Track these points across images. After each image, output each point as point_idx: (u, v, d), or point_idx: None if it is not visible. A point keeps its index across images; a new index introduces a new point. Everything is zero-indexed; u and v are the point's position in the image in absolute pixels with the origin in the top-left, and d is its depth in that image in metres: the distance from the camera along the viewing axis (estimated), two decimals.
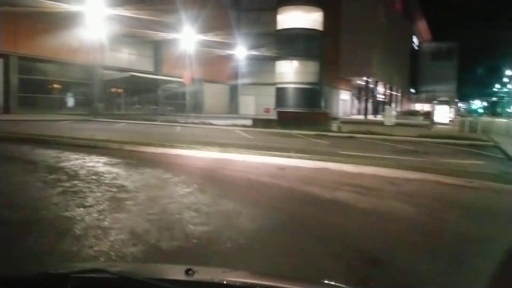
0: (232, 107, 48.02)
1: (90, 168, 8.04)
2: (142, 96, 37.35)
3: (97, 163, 8.64)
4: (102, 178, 7.06)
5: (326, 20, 41.59)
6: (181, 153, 10.31)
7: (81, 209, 5.16)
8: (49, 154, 9.58)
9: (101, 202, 5.49)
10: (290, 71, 41.33)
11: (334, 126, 21.60)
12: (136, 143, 11.34)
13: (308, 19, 40.84)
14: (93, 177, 7.15)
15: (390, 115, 29.85)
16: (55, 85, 30.17)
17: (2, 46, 25.38)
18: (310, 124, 21.21)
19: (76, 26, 26.66)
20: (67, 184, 6.53)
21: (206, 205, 5.55)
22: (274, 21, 40.92)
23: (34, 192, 6.16)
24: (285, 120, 22.74)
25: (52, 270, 1.59)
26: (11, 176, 7.42)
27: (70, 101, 31.83)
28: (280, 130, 19.93)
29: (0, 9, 24.29)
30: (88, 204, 5.39)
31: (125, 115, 28.95)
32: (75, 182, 6.71)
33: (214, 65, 41.94)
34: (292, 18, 40.76)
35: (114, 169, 7.96)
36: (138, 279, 1.52)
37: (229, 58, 43.56)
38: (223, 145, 11.58)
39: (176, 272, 1.69)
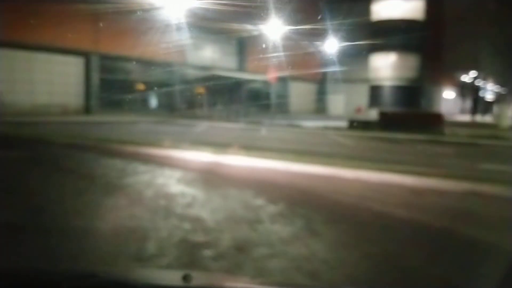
0: (320, 107, 45.72)
1: (160, 187, 6.40)
2: (225, 96, 36.30)
3: (169, 178, 7.01)
4: (172, 204, 5.36)
5: (428, 8, 37.97)
6: (271, 165, 8.43)
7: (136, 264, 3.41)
8: (114, 166, 8.15)
9: (166, 251, 3.72)
10: (386, 66, 38.31)
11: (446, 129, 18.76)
12: (216, 151, 9.66)
13: (408, 8, 37.56)
14: (161, 202, 5.46)
15: (505, 115, 26.02)
16: (136, 85, 29.92)
17: (84, 44, 25.33)
18: (420, 127, 18.53)
19: (158, 24, 25.97)
20: (123, 214, 4.88)
21: (329, 267, 3.55)
22: (368, 12, 38.18)
23: (70, 229, 4.52)
24: (388, 122, 20.17)
25: (46, 276, 1.60)
26: (49, 200, 5.92)
27: (151, 102, 31.52)
28: (384, 134, 17.47)
29: (81, 7, 24.15)
30: (146, 255, 3.64)
31: (206, 116, 27.89)
32: (135, 210, 5.05)
33: (300, 61, 39.91)
34: (389, 8, 37.75)
35: (190, 190, 6.25)
36: (134, 285, 1.53)
37: (317, 53, 41.33)
38: (322, 155, 9.57)
39: (173, 278, 1.65)
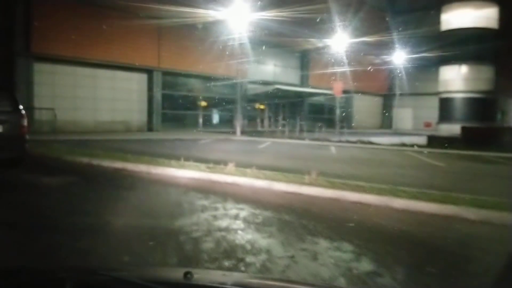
0: (385, 121, 43.07)
1: (223, 231, 4.76)
2: (287, 111, 34.66)
3: (235, 218, 5.39)
4: (241, 264, 3.66)
5: (503, 16, 34.72)
6: (360, 199, 6.61)
7: None
8: (169, 195, 6.62)
9: None
10: (457, 78, 35.32)
11: None
12: (295, 180, 7.91)
13: (480, 16, 34.48)
14: (225, 262, 3.78)
15: None
16: (197, 101, 28.95)
17: (146, 60, 24.58)
18: (507, 143, 16.18)
19: (220, 38, 24.83)
20: None
21: None
22: (437, 22, 35.46)
23: None
24: (471, 138, 17.73)
25: (50, 273, 1.61)
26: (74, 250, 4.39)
27: (212, 117, 30.44)
28: (473, 152, 15.09)
29: (143, 23, 23.42)
30: None
31: (269, 132, 26.32)
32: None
33: (365, 74, 37.66)
34: (460, 17, 34.84)
35: (264, 238, 4.55)
36: (136, 282, 1.48)
37: (383, 66, 38.93)
38: (428, 186, 7.62)
39: (175, 275, 1.67)
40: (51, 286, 1.47)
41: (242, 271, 3.41)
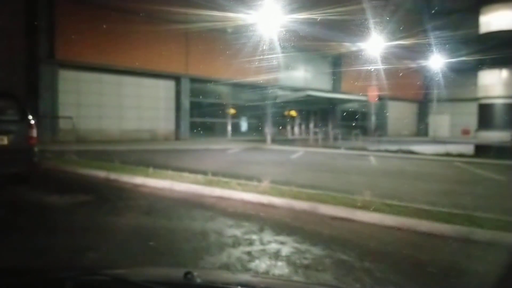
0: (421, 129, 41.04)
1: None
2: (318, 118, 33.19)
3: (276, 258, 4.12)
4: None
5: None
6: (431, 229, 5.22)
7: None
8: (193, 222, 5.37)
9: None
10: (497, 83, 33.25)
11: None
12: (333, 199, 6.57)
13: None
14: None
15: None
16: (226, 108, 27.84)
17: (173, 67, 23.62)
18: None
19: (249, 44, 23.66)
20: None
21: None
22: (475, 24, 33.52)
23: None
24: None
25: (49, 273, 1.59)
26: None
27: (241, 126, 29.28)
28: None
29: (171, 28, 22.47)
30: None
31: (300, 141, 24.95)
32: None
33: (400, 79, 35.84)
34: (500, 18, 32.84)
35: None
36: (136, 282, 1.49)
37: (419, 71, 37.05)
38: (487, 207, 6.20)
39: (175, 275, 1.64)
40: (51, 286, 1.45)
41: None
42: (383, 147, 19.68)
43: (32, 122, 7.90)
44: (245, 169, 11.37)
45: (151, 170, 9.25)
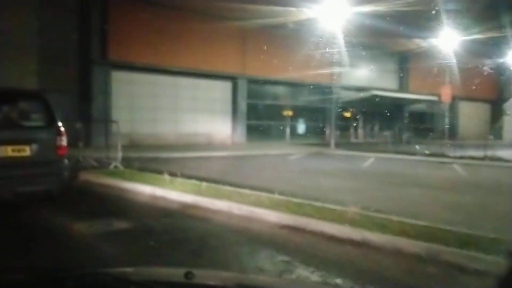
0: (494, 131, 37.25)
1: None
2: (383, 120, 30.57)
3: None
4: None
5: None
6: None
7: None
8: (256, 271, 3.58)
9: None
10: None
11: None
12: (455, 237, 4.53)
13: None
14: None
15: None
16: (284, 110, 25.98)
17: (230, 67, 22.02)
18: None
19: (309, 42, 21.69)
20: None
21: None
22: None
23: None
24: None
25: (49, 273, 1.56)
26: None
27: (301, 128, 27.31)
28: None
29: (227, 26, 20.90)
30: None
31: (366, 145, 22.65)
32: None
33: (472, 78, 32.48)
34: None
35: None
36: (136, 282, 1.47)
37: (492, 68, 33.47)
38: None
39: (175, 275, 1.65)
40: (51, 286, 1.42)
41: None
42: (463, 152, 17.11)
43: (62, 128, 6.40)
44: (314, 182, 9.45)
45: (204, 185, 7.53)
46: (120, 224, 5.62)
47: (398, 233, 4.80)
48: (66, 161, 6.51)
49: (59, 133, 6.35)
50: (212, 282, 1.65)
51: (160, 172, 9.26)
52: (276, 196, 6.82)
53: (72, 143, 12.03)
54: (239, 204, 6.36)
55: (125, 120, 18.44)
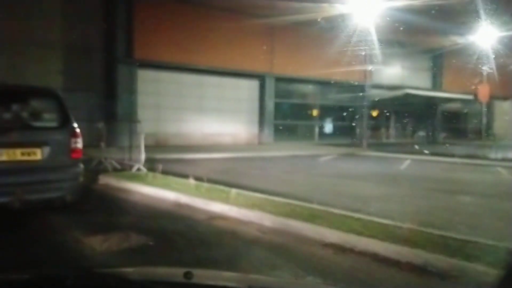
0: None
1: None
2: (416, 119, 29.29)
3: None
4: None
5: None
6: None
7: None
8: None
9: None
10: None
11: None
12: None
13: None
14: None
15: None
16: (313, 109, 25.07)
17: (258, 65, 21.24)
18: None
19: (339, 39, 20.73)
20: None
21: None
22: None
23: None
24: None
25: (49, 272, 1.56)
26: None
27: (329, 128, 26.32)
28: None
29: (254, 23, 20.13)
30: None
31: (399, 145, 21.53)
32: None
33: (508, 76, 30.83)
34: None
35: None
36: (136, 282, 1.47)
37: None
38: None
39: (175, 275, 1.64)
40: (51, 286, 1.41)
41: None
42: (504, 154, 15.94)
43: (77, 129, 5.75)
44: (351, 189, 8.60)
45: (232, 192, 6.78)
46: (139, 239, 4.91)
47: (467, 257, 3.94)
48: (81, 165, 5.86)
49: (73, 134, 5.70)
50: (211, 282, 1.63)
51: (185, 175, 8.57)
52: (313, 206, 6.01)
53: (94, 144, 11.55)
54: (272, 215, 5.58)
55: (151, 119, 17.95)
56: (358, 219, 5.38)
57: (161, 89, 19.22)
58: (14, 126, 5.36)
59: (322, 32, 21.23)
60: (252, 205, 6.07)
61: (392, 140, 26.55)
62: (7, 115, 5.48)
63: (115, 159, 10.39)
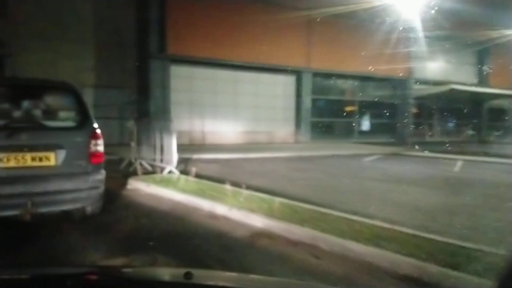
0: None
1: None
2: (461, 117, 27.52)
3: None
4: None
5: None
6: None
7: None
8: None
9: None
10: None
11: None
12: None
13: None
14: None
15: None
16: (351, 106, 23.80)
17: (294, 60, 20.15)
18: None
19: (380, 31, 19.41)
20: None
21: None
22: None
23: None
24: None
25: (49, 272, 1.53)
26: None
27: (368, 125, 24.97)
28: None
29: (291, 16, 19.02)
30: None
31: (444, 144, 20.03)
32: None
33: None
34: None
35: None
36: (137, 282, 1.46)
37: None
38: None
39: (175, 275, 1.63)
40: (51, 286, 1.37)
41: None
42: None
43: (98, 130, 4.89)
44: (408, 198, 7.46)
45: (276, 202, 5.80)
46: (167, 262, 4.00)
47: None
48: (103, 171, 4.98)
49: (93, 135, 4.84)
50: (211, 282, 1.59)
51: (220, 179, 7.65)
52: (375, 222, 4.97)
53: (126, 143, 10.81)
54: (327, 235, 4.56)
55: (183, 117, 17.22)
56: (434, 242, 4.31)
57: (195, 85, 18.43)
58: (24, 126, 4.54)
59: (362, 25, 19.96)
60: (301, 220, 5.07)
61: (436, 139, 24.94)
62: (16, 113, 4.66)
63: (146, 160, 9.61)
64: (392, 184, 8.85)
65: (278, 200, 5.97)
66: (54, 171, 4.57)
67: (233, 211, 5.68)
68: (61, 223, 5.02)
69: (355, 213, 5.41)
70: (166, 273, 1.90)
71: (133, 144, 10.04)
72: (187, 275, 1.45)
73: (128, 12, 17.24)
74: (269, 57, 19.24)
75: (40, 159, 4.49)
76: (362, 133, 23.96)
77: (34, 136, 4.52)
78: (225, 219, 5.61)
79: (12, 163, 4.36)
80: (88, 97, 16.50)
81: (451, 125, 28.27)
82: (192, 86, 18.37)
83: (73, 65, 15.61)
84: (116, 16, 16.89)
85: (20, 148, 4.39)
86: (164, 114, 16.75)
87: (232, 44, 18.41)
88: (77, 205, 4.82)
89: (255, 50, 18.90)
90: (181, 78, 17.93)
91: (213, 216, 5.79)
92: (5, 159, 4.33)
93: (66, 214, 4.87)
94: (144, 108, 16.57)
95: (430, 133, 26.26)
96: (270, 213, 5.39)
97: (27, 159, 4.43)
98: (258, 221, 5.25)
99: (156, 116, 15.86)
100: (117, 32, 16.90)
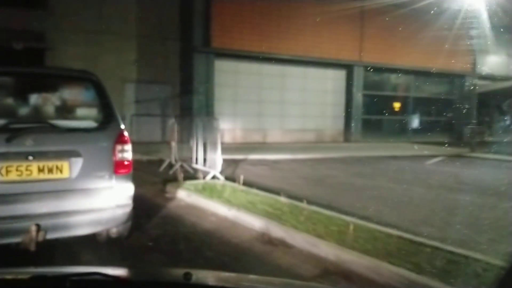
0: None
1: None
2: None
3: None
4: None
5: None
6: None
7: None
8: None
9: None
10: None
11: None
12: None
13: None
14: None
15: None
16: (405, 103, 21.98)
17: (345, 53, 18.63)
18: None
19: (439, 21, 17.57)
20: None
21: None
22: None
23: None
24: None
25: (49, 272, 1.48)
26: None
27: (424, 124, 23.04)
28: None
29: (342, 7, 17.50)
30: None
31: (509, 145, 17.97)
32: None
33: None
34: None
35: None
36: (136, 282, 1.46)
37: None
38: None
39: (175, 276, 1.60)
40: (51, 286, 1.36)
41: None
42: None
43: (125, 132, 3.76)
44: (492, 213, 5.99)
45: (349, 224, 4.50)
46: None
47: None
48: (131, 185, 3.85)
49: (119, 139, 3.70)
50: (211, 283, 1.56)
51: (272, 189, 6.43)
52: (488, 259, 3.60)
53: (167, 141, 9.82)
54: (436, 283, 3.23)
55: (228, 114, 16.17)
56: None
57: (240, 80, 17.30)
58: (30, 127, 3.45)
59: (420, 15, 18.19)
60: (387, 254, 3.76)
61: (499, 138, 22.73)
62: (19, 111, 3.61)
63: (187, 162, 8.54)
64: (474, 196, 7.30)
65: (348, 220, 4.68)
66: (68, 185, 3.47)
67: (294, 235, 4.43)
68: (76, 247, 3.93)
69: (451, 242, 4.05)
70: (165, 273, 1.82)
71: (173, 144, 9.01)
72: (187, 276, 1.40)
73: (172, 5, 16.30)
74: (318, 51, 17.85)
75: (50, 171, 3.40)
76: (416, 131, 22.06)
77: (43, 140, 3.41)
78: (284, 245, 4.36)
79: (12, 176, 3.29)
80: (130, 92, 15.73)
81: (508, 123, 25.89)
82: (237, 81, 17.25)
83: (115, 59, 14.85)
84: (159, 9, 15.97)
85: (23, 156, 3.31)
86: (207, 111, 15.76)
87: (279, 37, 17.12)
88: (97, 229, 3.72)
89: (304, 43, 17.57)
90: (226, 72, 16.84)
91: (267, 240, 4.55)
92: (3, 171, 3.26)
93: (85, 236, 3.78)
94: (187, 104, 15.63)
95: (489, 132, 24.04)
96: (343, 240, 4.10)
97: (33, 171, 3.34)
98: (329, 252, 3.97)
99: (199, 113, 14.89)
100: (160, 25, 16.00)
